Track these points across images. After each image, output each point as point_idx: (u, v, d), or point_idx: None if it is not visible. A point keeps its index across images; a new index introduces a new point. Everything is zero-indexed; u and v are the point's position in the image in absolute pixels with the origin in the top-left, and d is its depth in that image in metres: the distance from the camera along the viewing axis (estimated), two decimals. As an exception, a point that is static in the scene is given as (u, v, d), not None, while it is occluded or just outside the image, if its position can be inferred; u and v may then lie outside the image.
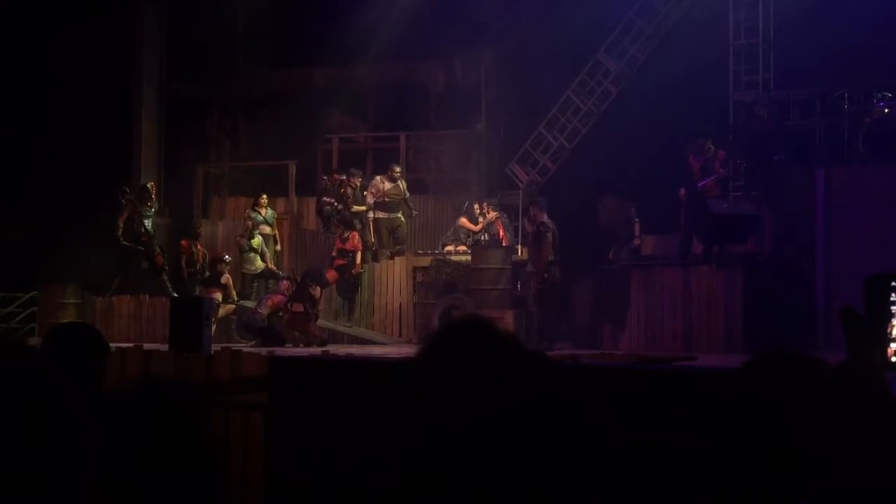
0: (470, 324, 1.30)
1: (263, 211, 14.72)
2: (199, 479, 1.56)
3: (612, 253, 12.94)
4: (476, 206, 14.51)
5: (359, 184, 14.69)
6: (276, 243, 14.85)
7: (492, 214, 14.29)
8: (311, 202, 15.97)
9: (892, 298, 1.55)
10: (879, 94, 12.12)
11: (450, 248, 14.46)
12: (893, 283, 1.54)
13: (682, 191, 12.51)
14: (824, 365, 1.48)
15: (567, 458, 1.16)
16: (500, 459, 1.14)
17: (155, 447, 1.53)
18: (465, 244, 14.30)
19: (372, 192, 14.59)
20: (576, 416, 1.20)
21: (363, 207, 14.56)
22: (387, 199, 14.58)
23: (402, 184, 14.74)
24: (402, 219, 14.70)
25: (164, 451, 1.53)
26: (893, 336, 1.58)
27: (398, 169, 14.84)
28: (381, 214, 14.59)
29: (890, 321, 1.60)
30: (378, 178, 14.77)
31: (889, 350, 1.63)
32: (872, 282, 1.59)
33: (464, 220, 14.50)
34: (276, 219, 15.21)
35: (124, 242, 14.29)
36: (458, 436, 1.16)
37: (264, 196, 14.83)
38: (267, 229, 14.72)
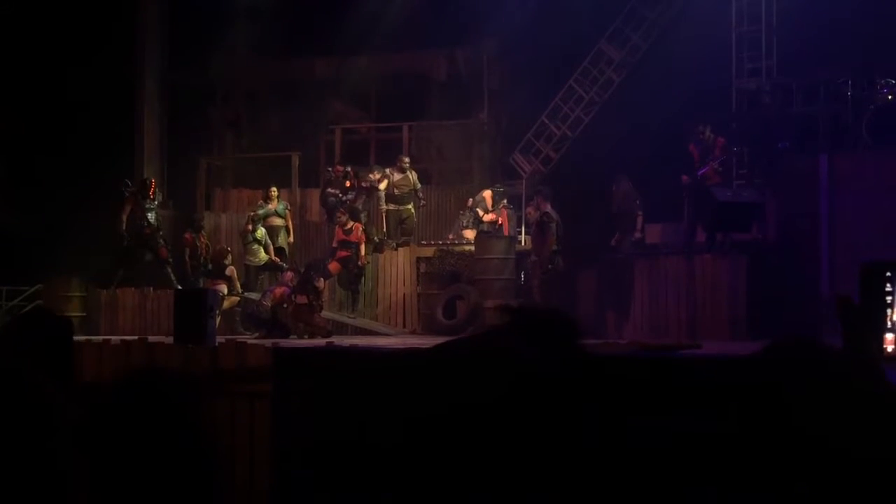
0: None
1: (273, 203, 14.66)
2: (192, 470, 1.56)
3: (615, 240, 12.93)
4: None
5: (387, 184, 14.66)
6: (288, 234, 14.80)
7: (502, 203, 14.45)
8: (315, 193, 15.97)
9: (887, 288, 1.52)
10: (883, 81, 12.07)
11: (450, 237, 14.50)
12: (889, 273, 1.52)
13: (685, 177, 12.50)
14: (838, 352, 1.48)
15: (552, 447, 1.16)
16: (490, 446, 1.15)
17: (146, 438, 1.53)
18: (475, 227, 14.27)
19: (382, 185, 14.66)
20: (561, 403, 1.20)
21: (383, 204, 14.60)
22: (396, 191, 14.58)
23: (411, 175, 14.72)
24: (412, 210, 14.69)
25: (155, 443, 1.54)
26: (889, 326, 1.57)
27: (407, 160, 14.83)
28: (390, 206, 14.59)
29: (886, 310, 1.58)
30: (387, 170, 14.76)
31: (885, 340, 1.61)
32: (868, 269, 1.57)
33: (488, 193, 14.48)
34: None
35: (126, 236, 14.31)
36: (441, 421, 1.17)
37: (273, 189, 14.78)
38: (278, 221, 14.67)
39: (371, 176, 14.64)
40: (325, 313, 13.09)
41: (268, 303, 12.45)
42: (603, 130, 15.07)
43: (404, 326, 13.89)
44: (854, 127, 12.06)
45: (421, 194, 14.88)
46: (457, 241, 14.22)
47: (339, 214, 13.87)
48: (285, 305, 12.50)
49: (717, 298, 11.30)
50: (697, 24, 14.15)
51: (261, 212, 14.50)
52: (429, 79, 17.02)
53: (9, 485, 1.02)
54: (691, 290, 11.45)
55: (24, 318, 3.30)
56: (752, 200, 11.81)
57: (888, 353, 1.50)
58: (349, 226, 13.77)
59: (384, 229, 14.57)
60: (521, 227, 14.70)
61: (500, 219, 14.27)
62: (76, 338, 3.43)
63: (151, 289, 14.30)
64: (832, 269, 11.43)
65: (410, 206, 14.65)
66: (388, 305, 14.21)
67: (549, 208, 11.87)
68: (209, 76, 17.71)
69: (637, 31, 15.43)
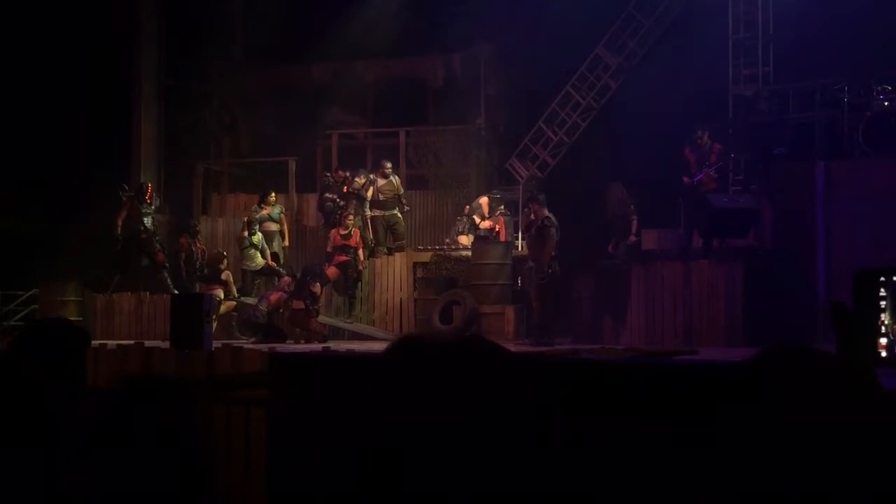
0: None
1: (269, 209, 14.64)
2: (186, 475, 1.57)
3: (612, 246, 12.93)
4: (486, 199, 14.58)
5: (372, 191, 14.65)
6: (283, 239, 14.79)
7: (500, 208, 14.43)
8: (312, 198, 15.97)
9: (881, 293, 1.54)
10: (879, 88, 12.09)
11: (446, 241, 14.51)
12: (882, 279, 1.53)
13: (686, 179, 12.46)
14: (832, 357, 1.48)
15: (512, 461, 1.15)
16: (452, 461, 1.14)
17: (139, 441, 1.54)
18: (471, 234, 14.26)
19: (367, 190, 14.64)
20: (519, 418, 1.19)
21: (367, 210, 14.59)
22: (381, 197, 14.56)
23: (395, 180, 14.73)
24: (399, 215, 14.67)
25: (151, 448, 1.54)
26: (882, 331, 1.57)
27: (389, 165, 14.83)
28: (376, 212, 14.57)
29: (879, 315, 1.59)
30: (371, 175, 14.76)
31: (878, 344, 1.62)
32: (861, 277, 1.58)
33: (485, 200, 14.49)
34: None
35: (122, 240, 14.29)
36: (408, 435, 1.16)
37: (272, 195, 14.75)
38: (273, 226, 14.65)
39: (357, 181, 14.62)
40: (322, 318, 13.08)
41: (264, 308, 12.44)
42: (600, 136, 15.09)
43: (401, 331, 13.88)
44: (850, 133, 12.08)
45: (404, 200, 14.87)
46: (453, 247, 14.22)
47: (347, 218, 13.84)
48: (281, 310, 12.50)
49: (714, 304, 11.30)
50: (694, 31, 14.18)
51: (255, 216, 14.49)
52: (426, 84, 17.03)
53: (12, 489, 1.02)
54: (688, 295, 11.45)
55: (42, 326, 3.32)
56: (748, 206, 11.83)
57: (881, 358, 1.51)
58: (348, 230, 13.76)
59: (370, 236, 14.55)
60: (517, 233, 14.71)
61: (496, 226, 14.27)
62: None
63: (148, 293, 14.29)
64: (828, 274, 11.44)
65: (396, 212, 14.64)
66: (385, 310, 14.22)
67: (548, 213, 11.85)
68: (206, 80, 17.72)
69: (634, 38, 15.46)
